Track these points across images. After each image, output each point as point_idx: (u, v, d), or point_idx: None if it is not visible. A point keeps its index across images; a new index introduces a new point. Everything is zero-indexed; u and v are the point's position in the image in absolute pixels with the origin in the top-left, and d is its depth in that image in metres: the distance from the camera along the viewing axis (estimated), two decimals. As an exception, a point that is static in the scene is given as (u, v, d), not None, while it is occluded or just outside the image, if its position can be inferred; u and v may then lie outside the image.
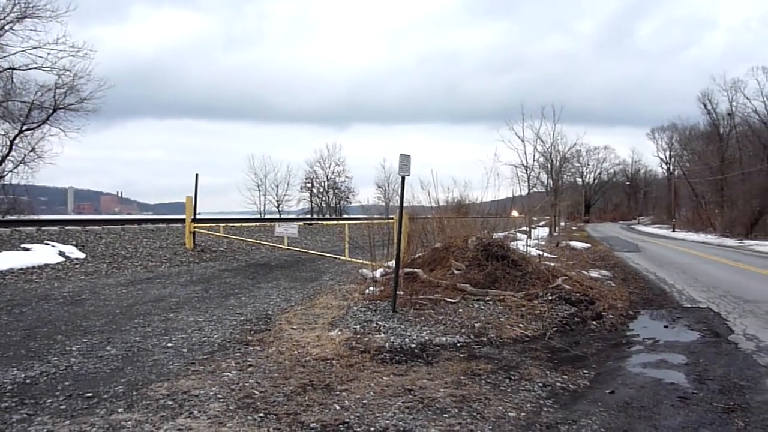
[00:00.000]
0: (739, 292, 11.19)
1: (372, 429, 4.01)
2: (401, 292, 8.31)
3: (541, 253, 14.73)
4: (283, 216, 56.71)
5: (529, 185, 35.35)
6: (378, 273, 10.19)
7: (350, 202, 66.10)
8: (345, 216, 55.39)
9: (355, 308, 8.00)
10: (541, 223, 39.65)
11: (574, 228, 55.01)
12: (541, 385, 5.21)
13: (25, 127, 23.81)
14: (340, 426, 4.03)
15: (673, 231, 51.91)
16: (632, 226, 75.40)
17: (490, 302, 8.31)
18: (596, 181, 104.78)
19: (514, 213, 20.22)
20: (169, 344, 6.24)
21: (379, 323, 7.19)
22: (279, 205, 61.90)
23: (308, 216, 58.83)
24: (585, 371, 5.73)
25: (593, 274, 12.95)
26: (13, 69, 22.51)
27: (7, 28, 21.74)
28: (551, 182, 39.54)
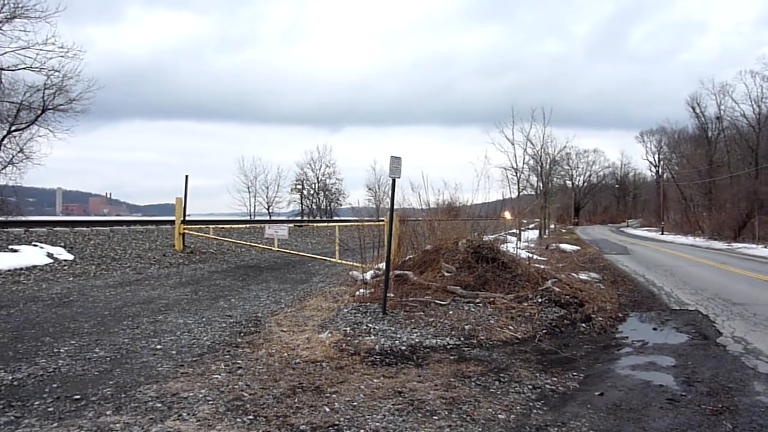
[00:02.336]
0: (727, 294, 11.28)
1: (362, 431, 4.00)
2: (391, 294, 8.31)
3: (530, 255, 14.79)
4: (273, 218, 56.51)
5: (519, 188, 35.42)
6: (368, 275, 10.18)
7: (341, 204, 65.96)
8: (335, 218, 55.37)
9: (345, 310, 7.99)
10: (530, 226, 39.83)
11: (563, 230, 55.31)
12: (530, 387, 5.22)
13: (13, 128, 23.59)
14: (330, 428, 4.02)
15: (662, 234, 52.23)
16: (621, 229, 75.81)
17: (480, 304, 8.33)
18: (586, 184, 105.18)
19: (507, 214, 20.27)
20: (158, 346, 6.21)
21: (370, 325, 7.18)
22: (269, 206, 61.63)
23: (298, 218, 58.69)
24: (574, 373, 5.75)
25: (582, 276, 12.99)
26: (2, 69, 22.30)
27: (-5, 28, 21.53)
28: (541, 185, 39.65)
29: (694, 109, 55.66)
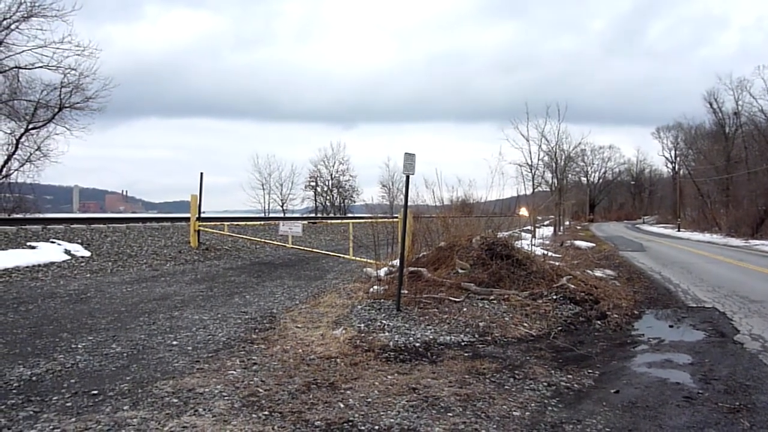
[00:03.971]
0: (745, 291, 11.16)
1: (376, 427, 4.01)
2: (405, 291, 8.31)
3: (545, 252, 14.71)
4: (287, 215, 56.74)
5: (533, 184, 35.25)
6: (382, 272, 10.18)
7: (354, 201, 66.11)
8: (349, 215, 55.44)
9: (359, 307, 8.00)
10: (545, 223, 39.60)
11: (578, 227, 54.96)
12: (545, 384, 5.20)
13: (30, 126, 23.89)
14: (345, 424, 4.04)
15: (679, 230, 51.73)
16: (637, 226, 75.19)
17: (495, 301, 8.31)
18: (601, 181, 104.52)
19: (523, 210, 20.15)
20: (174, 342, 6.26)
21: (384, 322, 7.19)
22: (283, 204, 61.91)
23: (312, 215, 58.88)
24: (590, 371, 5.72)
25: (598, 273, 12.91)
26: (19, 68, 22.59)
27: (13, 27, 21.81)
28: (556, 181, 39.42)
29: (711, 104, 55.13)
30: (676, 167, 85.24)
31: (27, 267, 11.14)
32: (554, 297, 8.64)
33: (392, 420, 4.13)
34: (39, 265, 11.37)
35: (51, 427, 3.86)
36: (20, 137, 23.83)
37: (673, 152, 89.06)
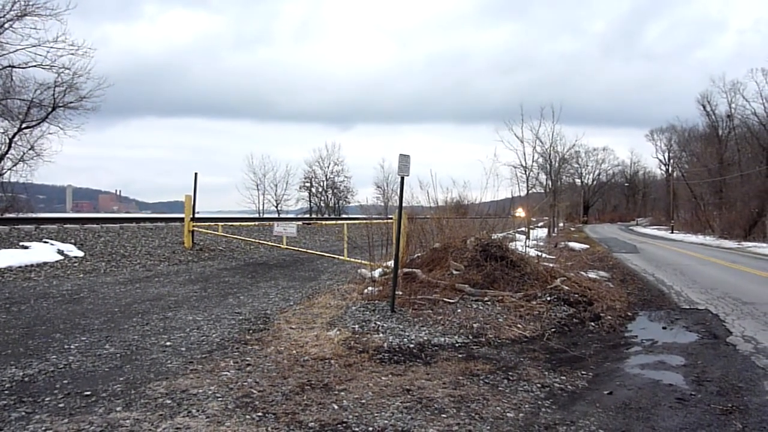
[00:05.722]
0: (738, 293, 11.20)
1: (370, 429, 4.01)
2: (400, 292, 8.31)
3: (539, 253, 14.76)
4: (281, 216, 56.67)
5: (528, 186, 35.33)
6: (377, 273, 10.19)
7: (349, 202, 66.13)
8: (344, 216, 55.39)
9: (353, 308, 8.00)
10: (539, 224, 39.68)
11: (572, 229, 55.10)
12: (539, 385, 5.21)
13: (24, 125, 23.76)
14: (339, 426, 4.03)
15: (672, 232, 51.92)
16: (631, 228, 75.45)
17: (489, 303, 8.32)
18: (595, 182, 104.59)
19: (520, 211, 20.20)
20: (168, 343, 6.24)
21: (378, 323, 7.19)
22: (278, 204, 61.80)
23: (307, 216, 58.79)
24: (583, 372, 5.74)
25: (592, 275, 12.95)
26: (13, 67, 22.47)
27: (6, 26, 21.69)
28: (550, 183, 39.52)
29: (704, 107, 55.33)
30: (670, 169, 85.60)
31: (20, 267, 11.09)
32: (548, 298, 8.66)
33: (386, 421, 4.13)
34: (32, 265, 11.33)
35: (43, 428, 3.84)
36: (13, 136, 23.71)
37: (666, 154, 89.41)
